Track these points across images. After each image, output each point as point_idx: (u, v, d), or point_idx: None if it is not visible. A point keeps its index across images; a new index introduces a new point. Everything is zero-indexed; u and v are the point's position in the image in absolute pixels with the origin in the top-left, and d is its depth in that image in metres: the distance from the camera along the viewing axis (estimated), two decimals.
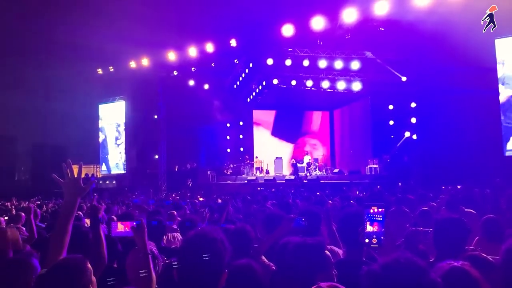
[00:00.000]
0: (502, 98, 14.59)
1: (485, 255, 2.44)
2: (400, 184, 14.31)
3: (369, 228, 2.74)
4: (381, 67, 17.79)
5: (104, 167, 24.33)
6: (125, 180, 22.75)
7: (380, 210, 2.65)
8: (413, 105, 17.55)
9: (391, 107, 19.10)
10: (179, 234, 4.56)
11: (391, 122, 19.25)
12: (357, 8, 14.15)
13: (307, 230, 2.94)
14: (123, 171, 23.36)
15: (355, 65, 17.82)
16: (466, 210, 5.82)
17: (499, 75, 14.60)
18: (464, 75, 14.05)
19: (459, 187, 10.63)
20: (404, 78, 17.40)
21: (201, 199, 12.06)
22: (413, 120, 17.58)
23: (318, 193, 9.99)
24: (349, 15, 14.29)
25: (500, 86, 14.60)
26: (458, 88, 14.33)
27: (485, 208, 6.54)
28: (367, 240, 2.67)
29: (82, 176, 2.37)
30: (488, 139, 14.56)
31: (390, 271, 1.47)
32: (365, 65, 17.90)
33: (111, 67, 20.58)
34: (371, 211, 2.61)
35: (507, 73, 14.49)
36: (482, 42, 13.66)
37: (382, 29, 15.15)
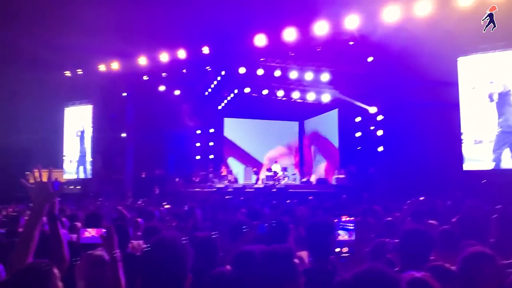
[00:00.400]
0: (463, 114, 15.22)
1: (447, 265, 2.55)
2: (365, 194, 14.62)
3: (341, 236, 2.80)
4: (349, 80, 18.21)
5: (70, 171, 23.66)
6: (91, 185, 22.16)
7: (351, 219, 2.72)
8: (379, 118, 18.01)
9: (358, 119, 19.52)
10: (142, 242, 4.51)
11: (358, 134, 19.67)
12: (328, 21, 14.48)
13: (273, 237, 2.97)
14: (89, 176, 22.79)
15: (324, 77, 18.17)
16: (429, 221, 6.04)
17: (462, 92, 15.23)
18: (429, 90, 14.59)
19: (421, 198, 10.97)
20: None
21: (166, 206, 11.87)
22: (379, 132, 18.02)
23: (288, 201, 10.09)
24: (321, 28, 14.60)
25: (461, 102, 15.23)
26: (423, 103, 14.85)
27: (446, 219, 6.79)
28: (338, 249, 2.72)
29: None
30: (449, 154, 15.11)
31: (363, 281, 1.52)
32: (334, 78, 18.28)
33: (80, 70, 20.11)
34: (343, 219, 2.67)
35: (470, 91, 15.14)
36: (446, 59, 14.27)
37: (352, 43, 15.56)
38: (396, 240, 3.05)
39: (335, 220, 2.73)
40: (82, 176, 23.16)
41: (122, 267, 2.22)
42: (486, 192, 12.73)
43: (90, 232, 2.85)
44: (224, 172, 21.80)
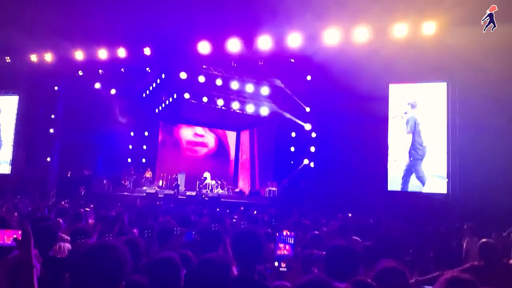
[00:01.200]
0: (390, 138, 16.19)
1: (369, 280, 2.69)
2: (294, 208, 14.99)
3: (280, 250, 2.82)
4: (288, 96, 18.70)
5: None
6: (9, 181, 20.60)
7: (292, 233, 2.74)
8: (313, 135, 18.62)
9: (293, 134, 20.04)
10: (68, 244, 4.28)
11: (292, 149, 20.18)
12: (272, 37, 14.81)
13: (205, 245, 2.96)
14: (7, 171, 21.15)
15: (264, 90, 18.53)
16: (353, 237, 6.34)
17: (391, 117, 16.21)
18: (361, 112, 15.34)
19: (350, 215, 11.49)
20: (307, 109, 18.45)
21: (87, 209, 11.30)
22: (312, 149, 18.62)
23: (217, 209, 10.07)
24: (264, 43, 14.89)
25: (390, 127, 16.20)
26: (355, 124, 15.60)
27: (368, 236, 7.15)
28: (276, 264, 2.73)
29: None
30: (376, 174, 15.95)
31: None
32: (274, 92, 18.68)
33: (8, 58, 18.75)
34: (284, 233, 2.69)
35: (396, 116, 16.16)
36: (379, 85, 15.13)
37: (293, 60, 16.02)
38: (322, 252, 3.15)
39: (277, 233, 2.76)
40: None
41: (43, 271, 2.08)
42: (407, 212, 13.63)
43: (1, 234, 2.59)
44: (148, 174, 21.23)
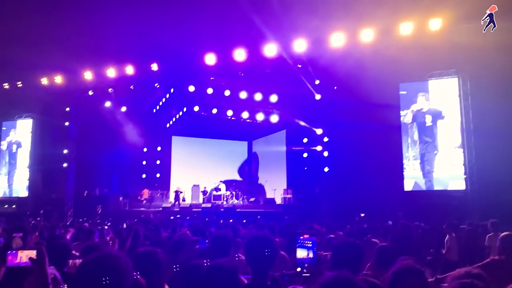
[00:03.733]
0: (404, 137, 16.01)
1: (372, 279, 2.62)
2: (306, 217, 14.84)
3: (300, 254, 2.79)
4: (296, 102, 18.67)
5: (3, 188, 22.14)
6: (27, 204, 20.87)
7: (311, 237, 2.71)
8: (325, 139, 18.51)
9: (305, 140, 19.95)
10: (79, 260, 4.29)
11: (305, 155, 20.07)
12: (277, 44, 14.84)
13: (213, 253, 2.93)
14: (25, 194, 21.45)
15: (273, 98, 18.51)
16: (372, 239, 6.24)
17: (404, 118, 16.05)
18: (372, 113, 15.24)
19: (362, 215, 11.35)
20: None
21: (105, 227, 11.39)
22: (325, 153, 18.50)
23: (231, 220, 10.03)
24: (270, 50, 14.92)
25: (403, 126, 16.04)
26: (367, 126, 15.48)
27: (386, 238, 7.03)
28: (299, 269, 2.70)
29: None
30: (391, 174, 15.75)
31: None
32: (283, 99, 18.66)
33: (19, 83, 19.11)
34: (301, 238, 2.66)
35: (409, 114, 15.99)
36: (388, 85, 15.02)
37: (300, 66, 16.01)
38: (328, 253, 3.11)
39: (296, 238, 2.72)
40: (15, 194, 21.76)
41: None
42: (426, 212, 13.41)
43: (19, 255, 2.67)
44: (145, 195, 21.17)
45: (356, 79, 14.17)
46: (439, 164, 15.13)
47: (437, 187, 15.06)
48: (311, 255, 2.92)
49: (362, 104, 15.14)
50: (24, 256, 2.63)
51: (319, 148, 18.52)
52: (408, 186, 15.63)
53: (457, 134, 14.92)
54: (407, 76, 15.83)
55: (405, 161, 15.82)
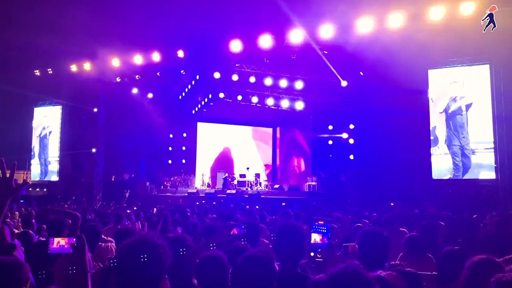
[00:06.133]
0: (432, 125, 15.67)
1: (408, 268, 2.61)
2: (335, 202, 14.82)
3: (313, 238, 2.83)
4: (323, 88, 18.46)
5: (36, 172, 22.93)
6: (58, 188, 21.56)
7: (325, 223, 2.75)
8: (351, 126, 18.32)
9: (330, 127, 19.78)
10: (113, 244, 4.42)
11: (330, 142, 19.93)
12: (303, 30, 14.65)
13: (246, 238, 2.99)
14: (56, 179, 22.15)
15: (299, 84, 18.36)
16: (400, 229, 6.18)
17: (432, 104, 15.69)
18: (400, 101, 14.96)
19: (392, 204, 11.22)
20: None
21: (128, 211, 11.62)
22: (351, 141, 18.32)
23: (257, 207, 10.09)
24: (296, 36, 14.74)
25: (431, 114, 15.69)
26: (394, 113, 15.22)
27: (413, 227, 6.95)
28: (312, 254, 2.74)
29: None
30: (419, 163, 15.50)
31: (338, 282, 1.53)
32: (308, 85, 18.49)
33: (50, 69, 19.58)
34: (316, 223, 2.69)
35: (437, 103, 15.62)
36: (417, 71, 14.68)
37: (326, 52, 15.78)
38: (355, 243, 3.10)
39: (311, 224, 2.75)
40: (47, 177, 22.50)
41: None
42: (454, 201, 13.15)
43: (60, 242, 2.80)
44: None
45: (384, 66, 13.87)
46: (468, 153, 14.78)
47: (466, 176, 14.74)
48: (323, 241, 2.96)
49: (390, 91, 14.87)
50: (64, 242, 2.76)
51: (344, 135, 18.36)
52: (436, 174, 15.35)
53: (488, 122, 14.50)
54: (436, 63, 15.43)
55: (433, 149, 15.51)
